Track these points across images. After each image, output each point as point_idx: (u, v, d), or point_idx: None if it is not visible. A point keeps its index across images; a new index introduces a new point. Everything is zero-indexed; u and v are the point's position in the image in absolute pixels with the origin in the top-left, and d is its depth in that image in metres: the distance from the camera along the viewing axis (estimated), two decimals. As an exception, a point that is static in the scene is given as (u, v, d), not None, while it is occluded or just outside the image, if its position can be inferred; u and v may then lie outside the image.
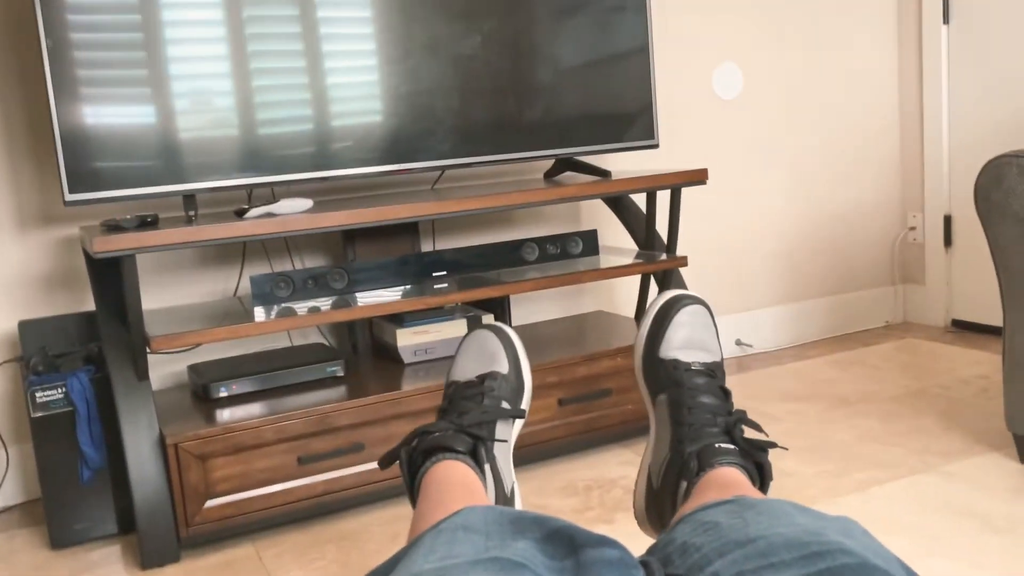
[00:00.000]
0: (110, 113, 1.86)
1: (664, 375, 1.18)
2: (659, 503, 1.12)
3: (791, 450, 2.15)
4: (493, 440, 1.18)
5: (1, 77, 2.17)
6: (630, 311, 2.80)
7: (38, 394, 1.84)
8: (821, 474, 1.99)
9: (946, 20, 3.17)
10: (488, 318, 2.40)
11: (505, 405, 1.23)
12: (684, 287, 2.47)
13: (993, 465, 1.95)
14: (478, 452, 1.14)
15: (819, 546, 0.59)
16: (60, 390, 1.85)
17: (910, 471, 1.95)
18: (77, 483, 1.88)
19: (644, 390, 1.24)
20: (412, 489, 1.13)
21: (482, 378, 1.26)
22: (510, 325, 2.21)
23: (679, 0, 2.98)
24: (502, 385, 1.25)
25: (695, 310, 1.21)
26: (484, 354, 1.34)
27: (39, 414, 1.84)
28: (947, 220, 3.22)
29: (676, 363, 1.17)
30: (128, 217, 1.85)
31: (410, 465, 1.15)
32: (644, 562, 0.65)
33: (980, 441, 2.12)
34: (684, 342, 1.20)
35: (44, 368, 1.89)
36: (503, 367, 1.30)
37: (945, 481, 1.88)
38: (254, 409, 1.92)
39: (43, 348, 1.97)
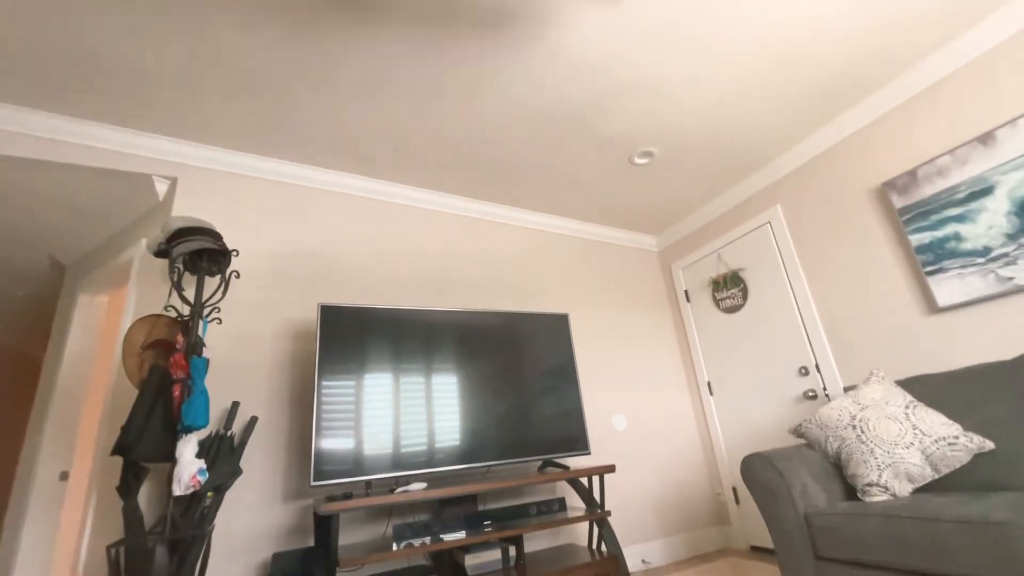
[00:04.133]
0: (334, 443, 1.97)
1: None
2: None
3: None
4: None
5: (297, 426, 2.24)
6: (584, 542, 2.72)
7: (277, 595, 1.73)
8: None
9: (711, 393, 3.37)
10: (512, 549, 2.24)
11: None
12: (612, 530, 2.34)
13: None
14: None
15: None
16: (289, 593, 1.73)
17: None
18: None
19: None
20: None
21: None
22: (522, 554, 2.25)
23: (594, 384, 3.17)
24: None
25: None
26: None
27: (275, 607, 1.70)
28: (734, 489, 3.22)
29: None
30: (337, 494, 1.94)
31: None
32: None
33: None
34: None
35: (281, 580, 1.78)
36: None
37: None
38: (387, 605, 1.73)
39: (282, 567, 1.92)
